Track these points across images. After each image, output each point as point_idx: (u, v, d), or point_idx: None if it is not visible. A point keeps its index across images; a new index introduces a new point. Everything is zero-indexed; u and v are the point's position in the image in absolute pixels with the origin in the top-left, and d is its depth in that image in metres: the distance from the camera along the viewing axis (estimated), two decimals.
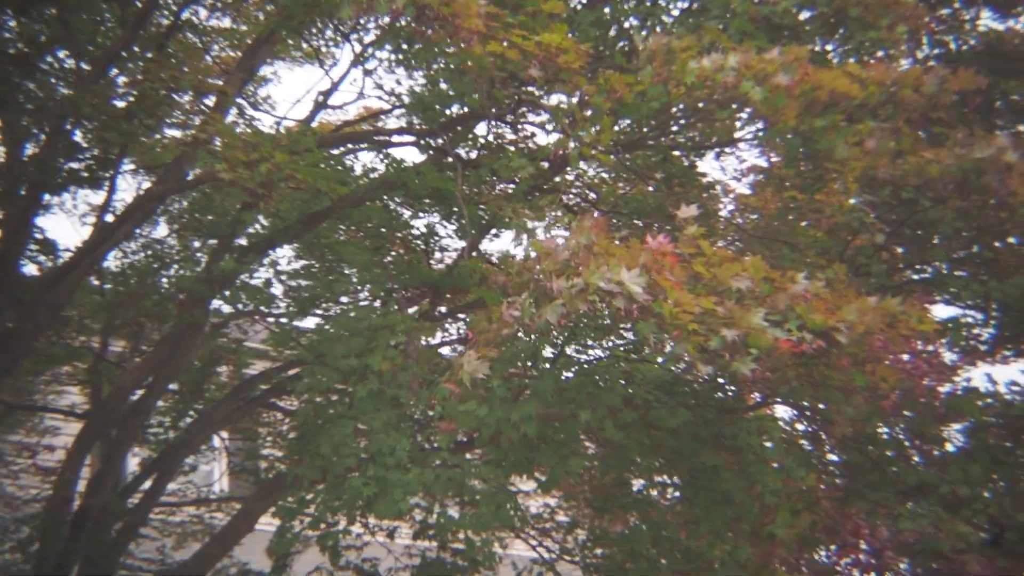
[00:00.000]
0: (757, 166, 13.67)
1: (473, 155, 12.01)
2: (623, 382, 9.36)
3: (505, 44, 8.20)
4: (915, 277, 11.39)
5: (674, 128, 11.32)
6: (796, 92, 8.02)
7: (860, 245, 10.83)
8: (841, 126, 8.39)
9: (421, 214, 12.93)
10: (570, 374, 9.87)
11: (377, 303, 12.53)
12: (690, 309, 6.39)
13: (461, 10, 7.72)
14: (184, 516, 16.00)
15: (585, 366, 9.75)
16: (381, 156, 11.85)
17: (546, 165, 11.39)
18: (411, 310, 11.50)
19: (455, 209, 12.49)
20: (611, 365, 9.46)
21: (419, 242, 13.55)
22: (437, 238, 13.48)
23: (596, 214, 12.52)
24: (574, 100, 9.20)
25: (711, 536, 9.89)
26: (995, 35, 11.89)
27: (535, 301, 6.72)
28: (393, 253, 13.50)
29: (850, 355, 7.11)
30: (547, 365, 9.30)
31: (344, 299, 12.94)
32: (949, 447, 11.34)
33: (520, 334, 7.29)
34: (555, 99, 10.56)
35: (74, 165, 11.39)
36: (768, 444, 9.80)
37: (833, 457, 11.92)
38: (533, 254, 7.48)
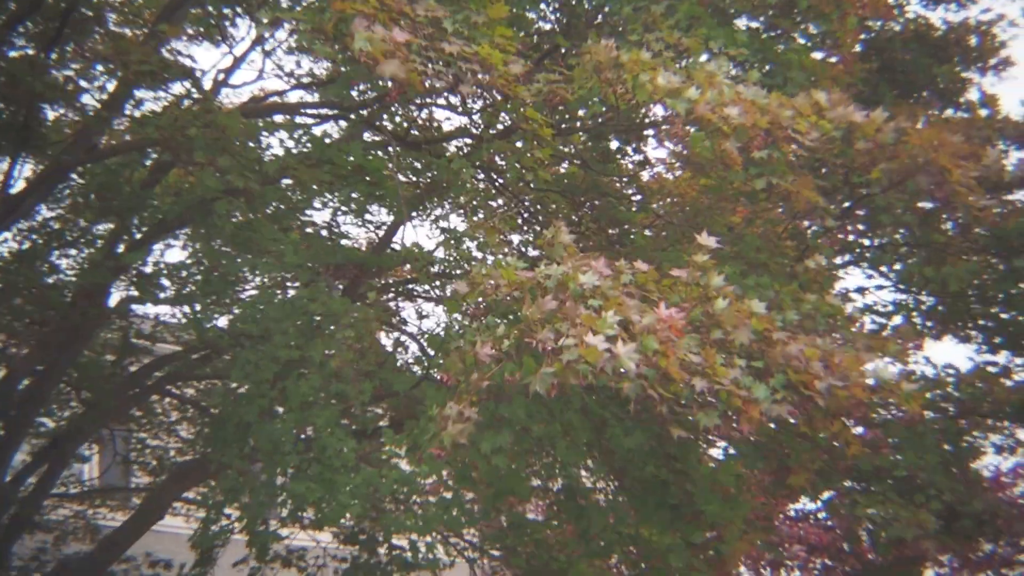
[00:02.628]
0: (675, 152, 13.42)
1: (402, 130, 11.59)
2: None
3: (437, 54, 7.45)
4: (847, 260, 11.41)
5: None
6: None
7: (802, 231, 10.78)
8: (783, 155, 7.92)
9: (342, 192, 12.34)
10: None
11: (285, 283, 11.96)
12: (678, 377, 6.04)
13: (378, 50, 6.97)
14: (60, 515, 15.28)
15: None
16: (301, 132, 11.26)
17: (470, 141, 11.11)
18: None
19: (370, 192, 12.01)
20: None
21: (323, 226, 13.03)
22: (340, 223, 13.00)
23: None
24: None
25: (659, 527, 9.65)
26: (924, 21, 11.97)
27: (515, 349, 6.34)
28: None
29: (822, 414, 6.93)
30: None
31: (238, 286, 12.36)
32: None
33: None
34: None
35: None
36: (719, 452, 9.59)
37: None
38: (486, 273, 7.01)
